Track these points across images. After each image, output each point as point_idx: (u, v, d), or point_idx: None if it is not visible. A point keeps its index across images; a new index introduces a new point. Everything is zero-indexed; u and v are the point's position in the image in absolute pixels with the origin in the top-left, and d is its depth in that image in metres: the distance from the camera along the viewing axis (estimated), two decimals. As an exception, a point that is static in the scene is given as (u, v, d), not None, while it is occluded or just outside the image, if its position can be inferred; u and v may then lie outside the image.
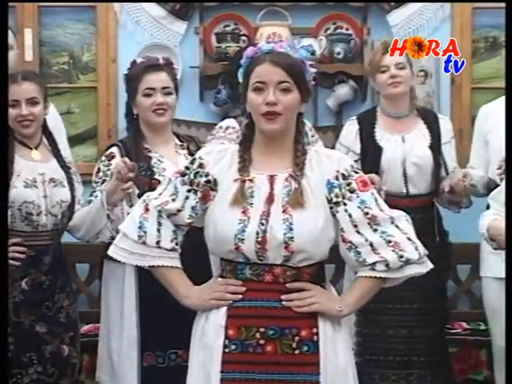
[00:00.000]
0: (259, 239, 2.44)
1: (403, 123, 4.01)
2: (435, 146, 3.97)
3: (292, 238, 2.43)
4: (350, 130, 4.06)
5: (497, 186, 3.54)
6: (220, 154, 2.57)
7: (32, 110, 3.40)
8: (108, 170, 3.43)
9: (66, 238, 3.61)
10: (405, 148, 3.95)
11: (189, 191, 2.54)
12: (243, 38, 4.73)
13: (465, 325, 4.48)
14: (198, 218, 2.57)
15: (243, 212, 2.46)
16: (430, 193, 3.99)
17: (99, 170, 3.49)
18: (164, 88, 3.47)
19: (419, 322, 3.90)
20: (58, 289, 3.45)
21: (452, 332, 4.34)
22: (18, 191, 3.35)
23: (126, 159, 3.31)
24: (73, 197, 3.47)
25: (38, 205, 3.38)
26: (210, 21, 4.80)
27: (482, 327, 4.41)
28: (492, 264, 3.77)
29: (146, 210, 2.57)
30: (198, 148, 3.28)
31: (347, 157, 2.64)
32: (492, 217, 3.33)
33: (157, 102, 3.44)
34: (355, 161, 3.96)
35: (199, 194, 2.54)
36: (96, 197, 3.39)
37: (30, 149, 3.46)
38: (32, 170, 3.42)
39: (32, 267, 3.40)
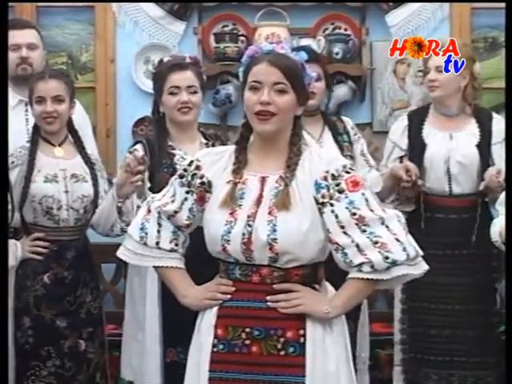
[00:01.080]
0: (245, 240, 2.44)
1: (454, 121, 3.94)
2: (484, 146, 3.89)
3: (275, 239, 2.42)
4: (399, 125, 4.03)
5: None
6: (217, 156, 2.58)
7: (57, 107, 3.49)
8: None
9: (92, 237, 3.66)
10: (450, 145, 3.89)
11: (187, 193, 2.56)
12: (242, 38, 4.73)
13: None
14: (197, 220, 2.59)
15: (231, 213, 2.47)
16: (476, 193, 3.90)
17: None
18: (189, 87, 3.48)
19: (463, 323, 3.84)
20: (81, 284, 3.52)
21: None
22: (37, 186, 3.45)
23: (136, 153, 3.37)
24: (96, 192, 3.55)
25: (58, 199, 3.47)
26: (209, 21, 4.80)
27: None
28: None
29: (148, 211, 2.62)
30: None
31: (341, 157, 2.62)
32: (504, 223, 3.30)
33: (181, 101, 3.46)
34: (401, 157, 3.97)
35: (195, 196, 2.56)
36: None
37: (54, 146, 3.55)
38: (53, 166, 3.52)
39: (54, 262, 3.49)
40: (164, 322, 3.40)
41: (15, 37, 3.94)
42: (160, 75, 3.53)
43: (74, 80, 4.77)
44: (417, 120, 3.99)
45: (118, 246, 3.62)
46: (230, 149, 2.60)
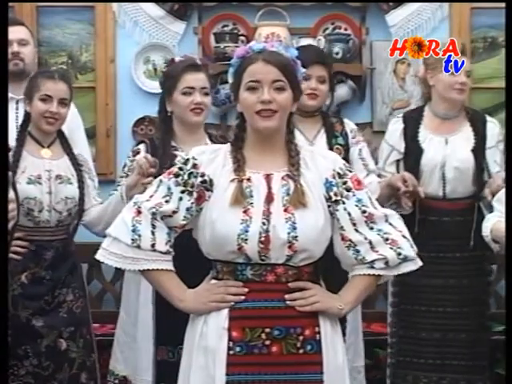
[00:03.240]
0: (262, 239, 2.43)
1: (450, 124, 3.92)
2: (478, 150, 3.87)
3: (296, 237, 2.43)
4: (395, 128, 3.99)
5: None
6: (213, 154, 2.55)
7: (61, 110, 3.52)
8: (132, 165, 3.47)
9: (92, 238, 3.58)
10: (447, 151, 3.88)
11: (182, 192, 2.50)
12: (242, 38, 4.73)
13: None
14: (192, 220, 2.53)
15: (245, 212, 2.45)
16: (470, 196, 3.88)
17: (125, 164, 3.56)
18: (203, 88, 3.48)
19: (453, 326, 3.83)
20: (61, 284, 3.50)
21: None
22: (20, 187, 3.39)
23: (148, 155, 3.38)
24: (82, 194, 3.55)
25: (40, 201, 3.46)
26: (209, 21, 4.80)
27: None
28: None
29: (139, 212, 2.51)
30: None
31: (339, 156, 2.65)
32: (496, 219, 3.31)
33: (195, 101, 3.45)
34: (398, 160, 3.96)
35: (195, 195, 2.50)
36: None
37: (42, 147, 3.55)
38: (38, 166, 3.50)
39: (32, 262, 3.47)
40: (157, 318, 3.38)
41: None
42: (173, 74, 3.50)
43: (74, 80, 4.80)
44: (412, 123, 3.96)
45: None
46: (223, 147, 2.58)
